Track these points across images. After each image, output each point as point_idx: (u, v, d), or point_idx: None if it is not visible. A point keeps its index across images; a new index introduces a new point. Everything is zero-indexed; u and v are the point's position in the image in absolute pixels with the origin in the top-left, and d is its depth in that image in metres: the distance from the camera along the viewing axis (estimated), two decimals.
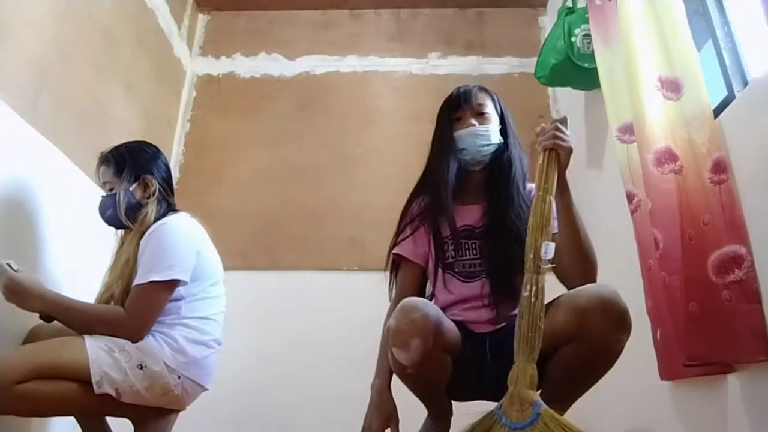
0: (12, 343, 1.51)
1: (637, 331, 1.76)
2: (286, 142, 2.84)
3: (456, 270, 1.41)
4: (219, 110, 2.91)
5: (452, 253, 1.42)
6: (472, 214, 1.44)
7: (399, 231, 1.48)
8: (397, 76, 2.98)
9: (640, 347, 1.75)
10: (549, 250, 1.16)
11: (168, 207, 1.63)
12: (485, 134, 1.44)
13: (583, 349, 1.16)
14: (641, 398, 1.85)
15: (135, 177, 1.59)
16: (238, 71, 3.01)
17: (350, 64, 3.01)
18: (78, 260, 1.73)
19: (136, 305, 1.44)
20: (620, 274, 1.96)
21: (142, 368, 1.40)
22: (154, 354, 1.43)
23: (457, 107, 1.48)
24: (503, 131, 1.49)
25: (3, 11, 1.58)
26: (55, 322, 1.47)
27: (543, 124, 1.30)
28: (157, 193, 1.60)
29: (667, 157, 1.51)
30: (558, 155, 1.25)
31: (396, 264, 1.50)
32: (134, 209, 1.57)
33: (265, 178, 2.76)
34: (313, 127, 2.87)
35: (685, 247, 1.42)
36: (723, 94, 1.56)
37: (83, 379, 1.35)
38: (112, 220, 1.59)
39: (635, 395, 1.90)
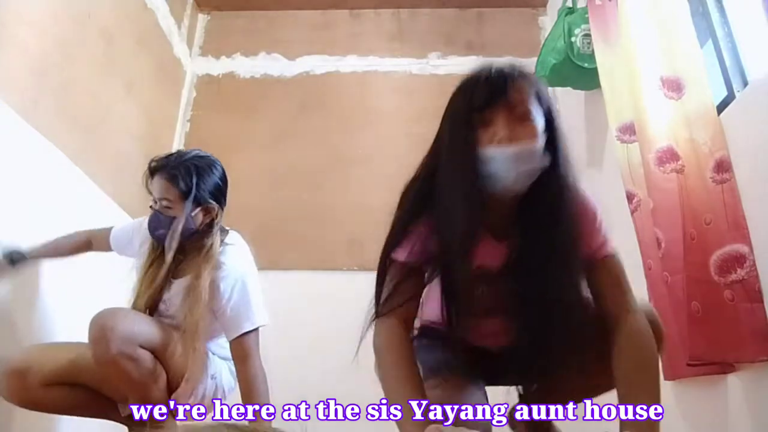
0: (24, 338, 1.52)
1: None
2: (286, 142, 2.84)
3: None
4: (219, 110, 2.91)
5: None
6: (492, 251, 1.04)
7: (400, 237, 1.06)
8: (397, 76, 2.98)
9: None
10: None
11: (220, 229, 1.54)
12: (529, 156, 0.95)
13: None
14: None
15: (199, 203, 1.47)
16: (238, 71, 3.00)
17: (350, 64, 3.01)
18: (78, 261, 1.72)
19: (256, 351, 1.45)
20: None
21: None
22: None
23: (486, 105, 0.96)
24: (551, 141, 0.99)
25: (3, 11, 1.58)
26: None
27: None
28: (219, 223, 1.51)
29: (669, 156, 1.51)
30: None
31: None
32: (191, 235, 1.48)
33: (265, 178, 2.76)
34: (312, 127, 2.87)
35: (686, 247, 1.42)
36: (723, 94, 1.56)
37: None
38: (163, 240, 1.47)
39: None
